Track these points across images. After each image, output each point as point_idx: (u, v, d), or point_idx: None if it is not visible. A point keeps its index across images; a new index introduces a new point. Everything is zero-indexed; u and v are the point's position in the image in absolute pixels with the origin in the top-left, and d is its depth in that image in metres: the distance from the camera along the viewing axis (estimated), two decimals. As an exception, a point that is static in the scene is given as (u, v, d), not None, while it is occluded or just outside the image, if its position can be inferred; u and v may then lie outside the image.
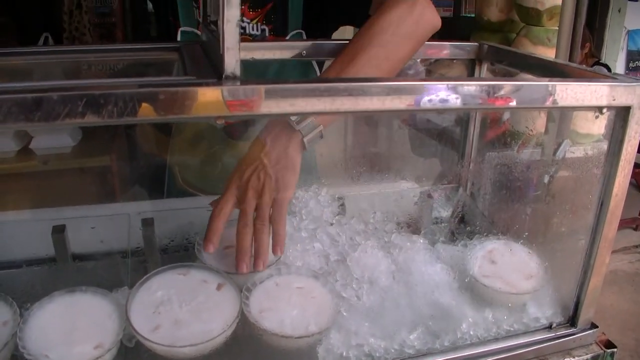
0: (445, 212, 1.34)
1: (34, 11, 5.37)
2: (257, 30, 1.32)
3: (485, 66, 1.30)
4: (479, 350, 0.97)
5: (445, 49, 1.29)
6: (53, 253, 1.12)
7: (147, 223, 1.12)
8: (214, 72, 0.74)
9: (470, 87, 0.76)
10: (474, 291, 1.03)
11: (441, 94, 0.74)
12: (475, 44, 1.30)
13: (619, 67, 5.29)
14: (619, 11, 5.20)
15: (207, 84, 0.66)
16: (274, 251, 0.97)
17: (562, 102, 0.83)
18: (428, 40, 1.16)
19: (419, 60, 1.41)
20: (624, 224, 4.34)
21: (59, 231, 1.11)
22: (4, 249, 1.18)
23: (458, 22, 6.22)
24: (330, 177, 0.98)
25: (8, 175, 2.42)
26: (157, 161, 1.55)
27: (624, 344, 3.09)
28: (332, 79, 0.69)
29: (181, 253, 1.17)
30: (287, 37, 1.33)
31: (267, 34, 1.32)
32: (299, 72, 1.37)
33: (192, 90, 0.64)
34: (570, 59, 1.69)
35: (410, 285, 1.01)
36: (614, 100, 0.87)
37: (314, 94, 0.67)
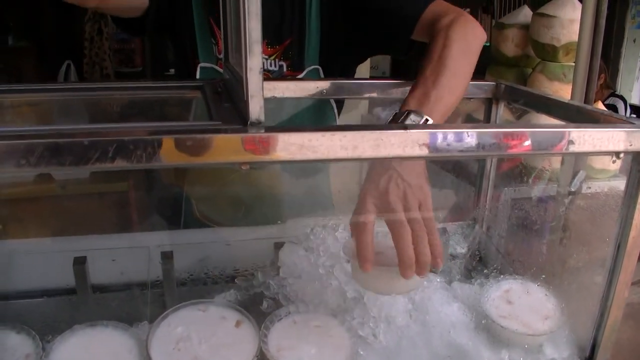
0: (461, 249, 1.35)
1: (55, 36, 5.46)
2: (275, 66, 1.35)
3: (502, 105, 1.31)
4: (495, 392, 0.97)
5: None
6: (73, 284, 1.14)
7: (167, 256, 1.14)
8: (238, 115, 0.76)
9: (487, 134, 0.77)
10: (491, 332, 1.03)
11: (457, 141, 0.76)
12: (492, 83, 1.31)
13: (635, 97, 5.29)
14: (634, 41, 5.21)
15: (233, 131, 0.68)
16: (435, 264, 0.89)
17: (579, 148, 0.84)
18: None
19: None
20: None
21: (80, 263, 1.13)
22: (23, 278, 1.20)
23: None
24: (347, 212, 0.99)
25: (26, 200, 2.46)
26: (175, 189, 1.57)
27: (640, 379, 3.04)
28: (354, 126, 0.71)
29: (199, 287, 1.18)
30: (304, 73, 1.35)
31: (284, 70, 1.35)
32: (315, 107, 1.39)
33: (219, 138, 0.66)
34: (587, 96, 1.70)
35: (427, 325, 1.02)
36: (631, 145, 0.87)
37: (337, 143, 0.69)
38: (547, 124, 1.04)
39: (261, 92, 0.69)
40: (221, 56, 1.31)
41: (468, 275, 1.24)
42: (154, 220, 1.62)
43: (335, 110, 1.41)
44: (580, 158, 1.81)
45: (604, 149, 0.87)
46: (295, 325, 0.97)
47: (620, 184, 0.97)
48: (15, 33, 8.15)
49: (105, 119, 1.03)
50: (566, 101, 1.16)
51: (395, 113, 0.95)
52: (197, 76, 1.36)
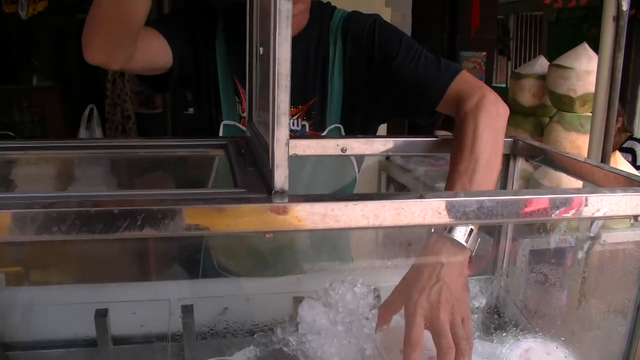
0: (479, 304, 1.34)
1: (78, 77, 5.57)
2: (298, 126, 1.37)
3: (520, 161, 1.32)
4: None
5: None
6: (93, 334, 1.16)
7: (187, 310, 1.16)
8: (262, 181, 0.79)
9: (505, 202, 0.78)
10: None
11: (475, 208, 0.77)
12: (510, 139, 1.32)
13: (653, 139, 5.26)
14: (651, 83, 5.23)
15: (258, 200, 0.70)
16: None
17: (597, 213, 0.85)
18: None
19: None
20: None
21: (101, 315, 1.15)
22: (43, 328, 1.22)
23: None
24: (366, 267, 1.00)
25: (45, 243, 2.48)
26: (194, 237, 1.59)
27: None
28: (375, 196, 0.73)
29: (219, 341, 1.19)
30: (326, 132, 1.38)
31: (307, 129, 1.37)
32: (336, 162, 1.41)
33: (245, 208, 0.68)
34: (604, 149, 1.71)
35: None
36: (649, 209, 0.88)
37: (359, 212, 0.71)
38: (564, 189, 1.05)
39: (286, 163, 0.71)
40: (244, 114, 1.34)
41: (487, 331, 1.24)
42: (173, 269, 1.64)
43: (355, 165, 1.43)
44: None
45: (621, 212, 0.87)
46: (315, 385, 0.97)
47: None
48: (40, 73, 8.36)
49: (131, 179, 1.06)
50: (583, 160, 1.17)
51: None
52: (220, 133, 1.39)
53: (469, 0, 5.28)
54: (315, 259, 1.42)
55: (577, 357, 1.10)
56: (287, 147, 0.71)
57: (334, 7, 1.45)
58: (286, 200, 0.70)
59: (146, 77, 1.35)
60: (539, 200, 0.81)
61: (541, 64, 2.21)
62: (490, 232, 1.44)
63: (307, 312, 1.13)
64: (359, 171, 1.45)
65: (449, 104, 1.24)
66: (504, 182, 1.35)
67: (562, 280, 1.36)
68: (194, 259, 1.59)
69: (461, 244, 0.95)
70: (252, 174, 0.83)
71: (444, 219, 0.75)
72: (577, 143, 1.98)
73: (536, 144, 1.31)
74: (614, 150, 2.22)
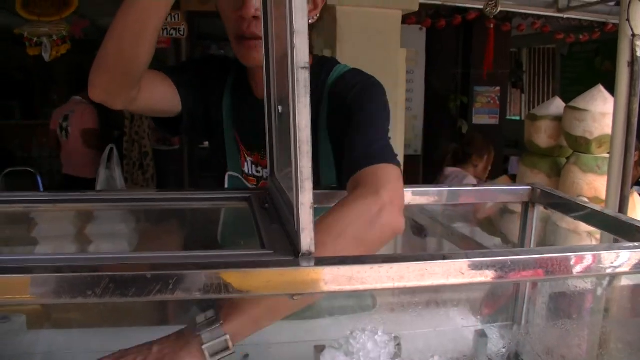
0: (499, 351, 1.34)
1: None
2: None
3: (538, 209, 1.33)
4: None
5: (499, 194, 1.34)
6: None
7: None
8: (287, 239, 0.81)
9: (524, 261, 0.79)
10: None
11: (492, 268, 0.78)
12: (528, 187, 1.34)
13: (670, 173, 5.23)
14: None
15: (286, 263, 0.72)
16: None
17: (617, 269, 0.86)
18: (480, 185, 1.20)
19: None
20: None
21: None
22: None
23: (504, 125, 6.35)
24: (387, 315, 1.00)
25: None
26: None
27: None
28: (399, 257, 0.74)
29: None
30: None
31: None
32: None
33: (273, 272, 0.70)
34: (622, 192, 1.72)
35: None
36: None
37: (384, 274, 0.72)
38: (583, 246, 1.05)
39: (312, 225, 0.73)
40: (244, 169, 1.38)
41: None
42: (193, 312, 1.65)
43: None
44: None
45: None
46: None
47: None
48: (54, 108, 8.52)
49: (158, 232, 1.08)
50: (602, 210, 1.18)
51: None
52: (226, 183, 1.42)
53: (482, 37, 5.33)
54: (337, 305, 1.42)
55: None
56: (312, 210, 0.73)
57: (336, 64, 1.36)
58: (313, 263, 0.72)
59: (159, 120, 1.40)
60: (557, 259, 0.82)
61: (557, 105, 2.23)
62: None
63: (329, 363, 1.13)
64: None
65: (350, 188, 1.09)
66: (522, 230, 1.36)
67: (584, 323, 1.36)
68: (215, 301, 1.60)
69: (194, 328, 0.90)
70: (277, 233, 0.85)
71: (467, 278, 0.76)
72: (595, 185, 1.99)
73: (554, 191, 1.33)
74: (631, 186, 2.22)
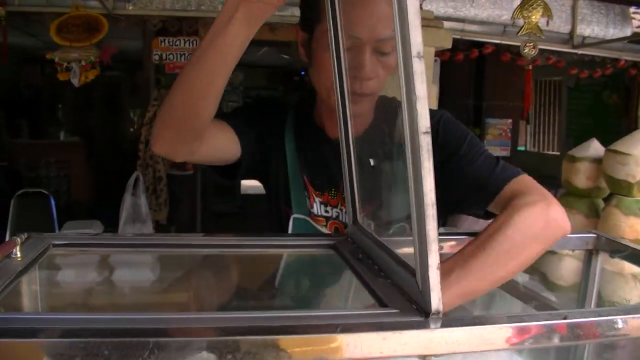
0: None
1: (104, 133, 5.56)
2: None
3: (602, 256, 1.34)
4: None
5: (561, 240, 1.34)
6: None
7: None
8: (401, 295, 0.82)
9: (584, 323, 0.79)
10: None
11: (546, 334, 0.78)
12: (593, 235, 1.35)
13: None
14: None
15: (417, 325, 0.72)
16: None
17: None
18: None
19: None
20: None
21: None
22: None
23: (515, 156, 6.40)
24: None
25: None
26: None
27: None
28: (524, 317, 0.75)
29: None
30: (391, 230, 1.36)
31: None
32: None
33: (409, 334, 0.70)
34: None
35: None
36: None
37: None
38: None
39: (439, 286, 0.74)
40: (312, 210, 1.38)
41: None
42: None
43: None
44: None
45: None
46: None
47: None
48: (67, 128, 8.55)
49: (251, 281, 1.08)
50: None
51: None
52: (290, 226, 1.39)
53: (495, 70, 5.39)
54: None
55: None
56: (438, 271, 0.74)
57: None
58: (443, 323, 0.73)
59: (216, 168, 1.37)
60: (613, 322, 0.80)
61: (595, 147, 2.26)
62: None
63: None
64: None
65: (501, 204, 1.16)
66: (586, 279, 1.36)
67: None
68: None
69: None
70: (389, 288, 0.86)
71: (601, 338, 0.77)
72: (637, 227, 2.01)
73: (619, 240, 1.34)
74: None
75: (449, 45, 2.93)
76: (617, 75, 6.13)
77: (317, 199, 1.38)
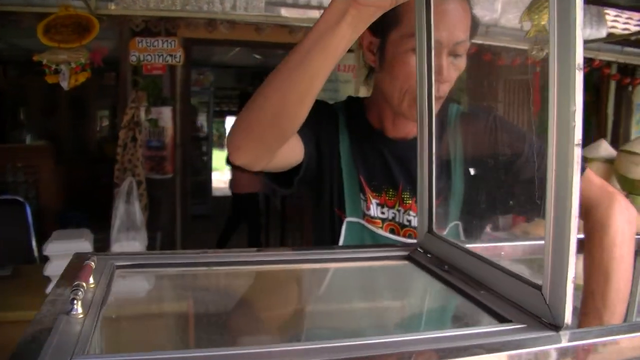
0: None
1: (71, 136, 5.43)
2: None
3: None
4: None
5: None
6: None
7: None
8: (516, 308, 0.80)
9: None
10: None
11: None
12: (637, 236, 1.36)
13: None
14: None
15: (549, 340, 0.71)
16: None
17: None
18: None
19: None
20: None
21: None
22: None
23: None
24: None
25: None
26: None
27: None
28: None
29: None
30: (446, 230, 1.38)
31: None
32: None
33: (546, 350, 0.69)
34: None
35: None
36: None
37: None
38: None
39: (572, 298, 0.73)
40: (368, 212, 1.37)
41: None
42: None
43: None
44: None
45: None
46: None
47: None
48: (29, 131, 8.29)
49: (335, 307, 1.02)
50: None
51: None
52: (343, 230, 1.38)
53: (475, 69, 5.43)
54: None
55: None
56: (573, 284, 0.73)
57: (447, 102, 1.42)
58: (575, 336, 0.72)
59: (272, 174, 1.33)
60: None
61: (605, 148, 2.29)
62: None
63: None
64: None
65: None
66: (635, 283, 1.37)
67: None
68: None
69: None
70: (499, 302, 0.84)
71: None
72: (651, 227, 2.04)
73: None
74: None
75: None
76: (587, 74, 6.25)
77: (373, 201, 1.36)
